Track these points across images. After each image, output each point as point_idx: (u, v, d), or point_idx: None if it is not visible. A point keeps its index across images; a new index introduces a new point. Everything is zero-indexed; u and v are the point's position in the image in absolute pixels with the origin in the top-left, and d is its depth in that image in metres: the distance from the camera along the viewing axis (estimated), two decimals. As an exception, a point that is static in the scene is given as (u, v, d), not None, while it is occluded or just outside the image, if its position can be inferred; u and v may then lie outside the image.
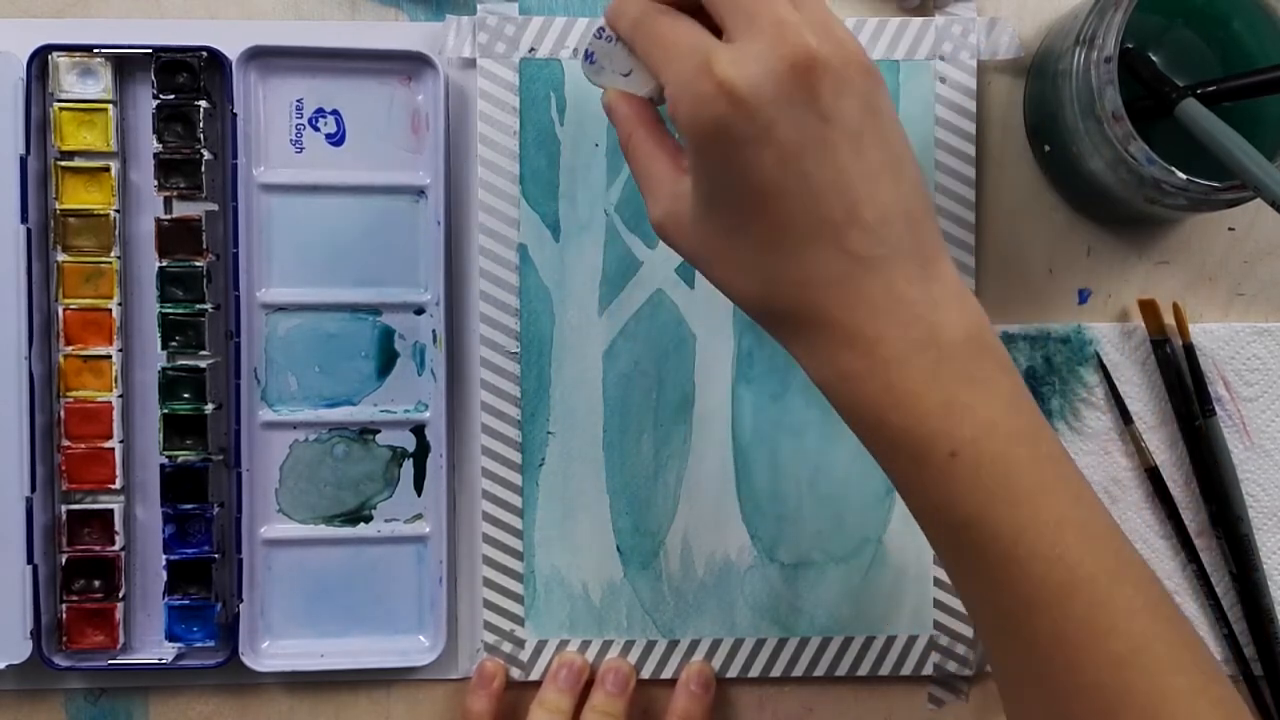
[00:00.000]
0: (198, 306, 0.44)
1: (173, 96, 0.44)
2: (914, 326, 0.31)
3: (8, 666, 0.44)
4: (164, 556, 0.45)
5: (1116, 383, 0.47)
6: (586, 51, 0.36)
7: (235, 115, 0.44)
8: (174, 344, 0.44)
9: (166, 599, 0.45)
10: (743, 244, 0.32)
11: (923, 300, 0.31)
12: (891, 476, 0.33)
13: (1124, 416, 0.47)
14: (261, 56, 0.45)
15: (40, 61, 0.44)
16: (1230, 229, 0.48)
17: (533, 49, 0.46)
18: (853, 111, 0.30)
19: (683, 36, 0.32)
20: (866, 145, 0.31)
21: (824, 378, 0.32)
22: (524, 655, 0.46)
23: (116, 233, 0.44)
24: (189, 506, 0.44)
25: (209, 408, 0.44)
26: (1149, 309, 0.47)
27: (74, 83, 0.44)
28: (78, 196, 0.44)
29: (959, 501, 0.31)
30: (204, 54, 0.44)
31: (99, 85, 0.44)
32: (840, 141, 0.30)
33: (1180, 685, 0.30)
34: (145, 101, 0.44)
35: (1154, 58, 0.43)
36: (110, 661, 0.45)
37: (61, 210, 0.44)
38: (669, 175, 0.33)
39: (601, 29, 0.36)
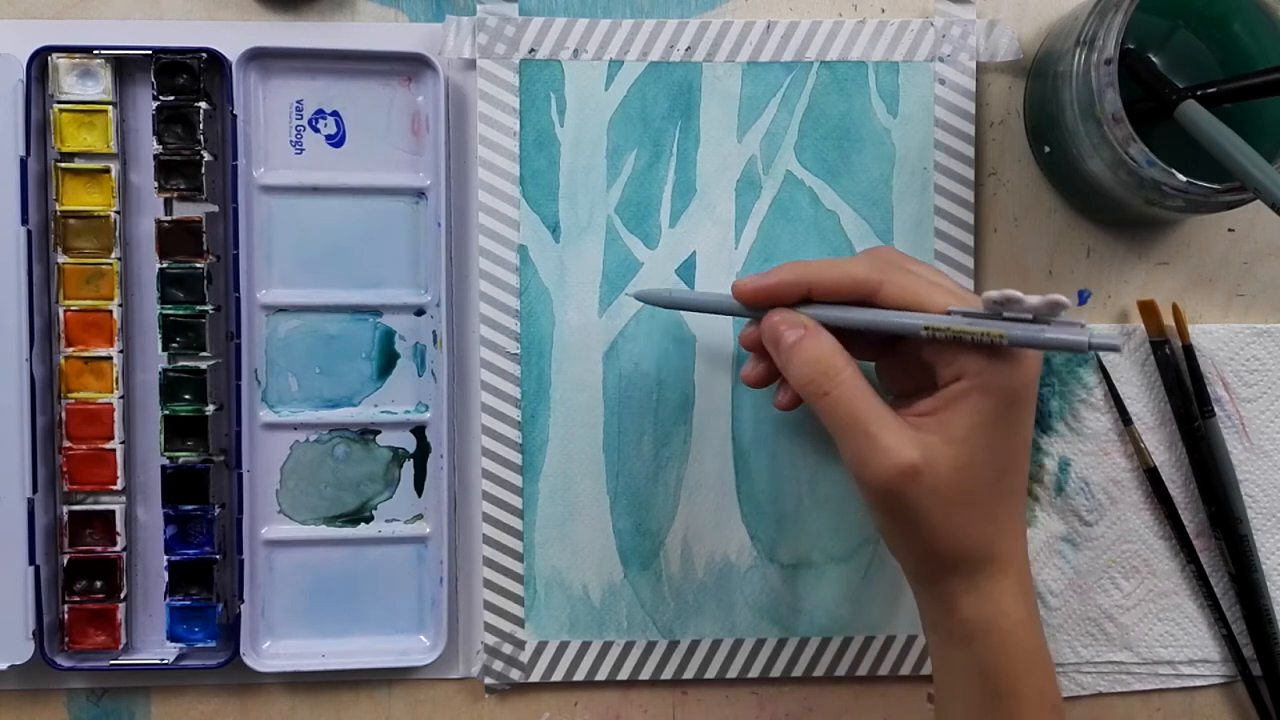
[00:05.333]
0: (198, 308, 0.44)
1: (173, 98, 0.44)
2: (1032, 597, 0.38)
3: (10, 667, 0.44)
4: (165, 557, 0.45)
5: (1116, 384, 0.47)
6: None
7: (235, 116, 0.44)
8: (175, 345, 0.44)
9: (168, 599, 0.45)
10: (994, 493, 0.36)
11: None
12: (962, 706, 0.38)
13: (1123, 417, 0.47)
14: (261, 58, 0.45)
15: (40, 63, 0.44)
16: (1230, 230, 0.48)
17: (533, 50, 0.46)
18: None
19: None
20: None
21: (981, 618, 0.37)
22: (524, 656, 0.46)
23: (117, 234, 0.44)
24: (190, 507, 0.45)
25: (210, 409, 0.44)
26: (1148, 310, 0.47)
27: (74, 84, 0.44)
28: (78, 198, 0.44)
29: None
30: (204, 55, 0.44)
31: (99, 87, 0.44)
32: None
33: None
34: (145, 103, 0.45)
35: (1154, 59, 0.43)
36: (112, 662, 0.45)
37: (62, 212, 0.44)
38: (905, 425, 0.36)
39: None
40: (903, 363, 0.39)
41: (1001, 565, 0.37)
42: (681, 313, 0.46)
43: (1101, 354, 0.47)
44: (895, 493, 0.35)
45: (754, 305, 0.39)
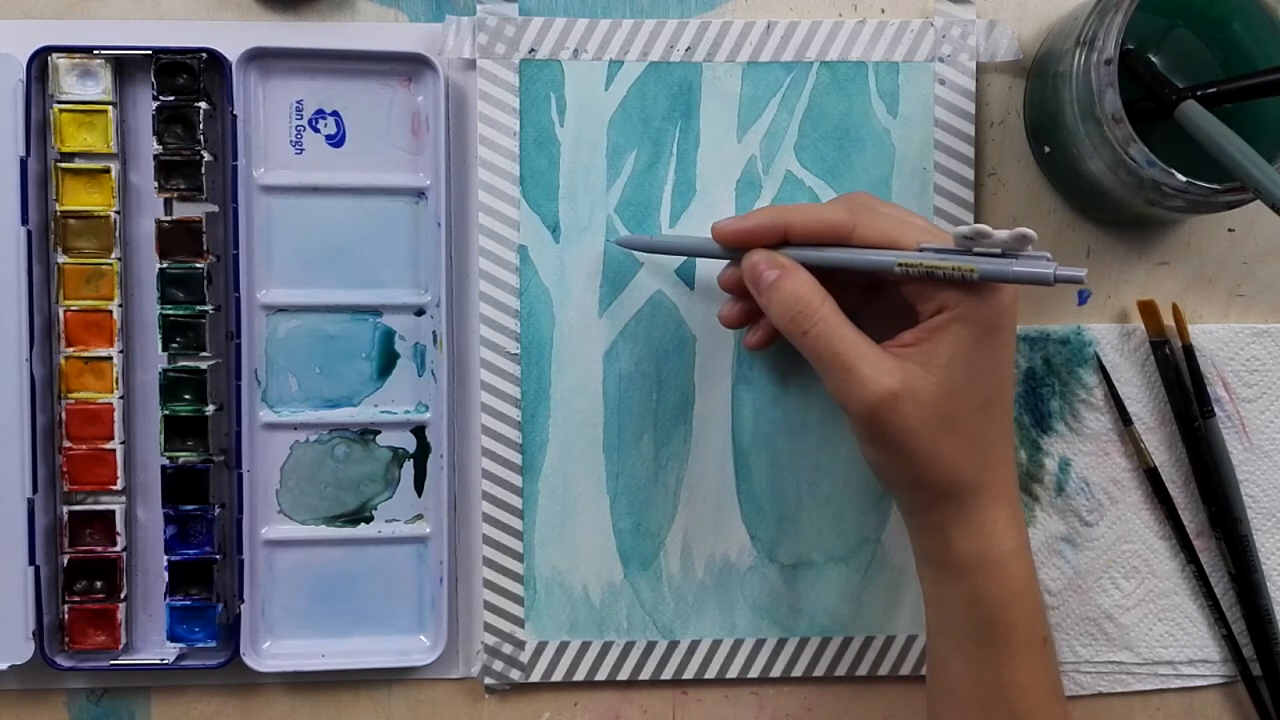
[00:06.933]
0: (198, 308, 0.44)
1: (173, 98, 0.44)
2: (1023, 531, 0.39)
3: (10, 667, 0.44)
4: (165, 557, 0.45)
5: (1116, 384, 0.47)
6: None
7: (235, 116, 0.44)
8: (175, 345, 0.44)
9: (168, 599, 0.45)
10: (979, 422, 0.37)
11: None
12: (955, 641, 0.39)
13: (1123, 417, 0.47)
14: (261, 58, 0.45)
15: (40, 63, 0.44)
16: (1230, 230, 0.48)
17: (533, 50, 0.46)
18: None
19: None
20: None
21: (975, 550, 0.38)
22: (524, 657, 0.46)
23: (117, 234, 0.44)
24: (190, 507, 0.45)
25: (210, 409, 0.44)
26: (1148, 310, 0.47)
27: (74, 84, 0.44)
28: (78, 198, 0.44)
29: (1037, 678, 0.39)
30: (204, 55, 0.44)
31: (99, 87, 0.44)
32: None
33: None
34: (145, 103, 0.45)
35: (1154, 59, 0.43)
36: (112, 662, 0.45)
37: (62, 212, 0.44)
38: (885, 355, 0.37)
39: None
40: (886, 306, 0.40)
41: (992, 496, 0.38)
42: (681, 313, 0.46)
43: (1101, 353, 0.47)
44: (878, 420, 0.36)
45: (733, 247, 0.40)
